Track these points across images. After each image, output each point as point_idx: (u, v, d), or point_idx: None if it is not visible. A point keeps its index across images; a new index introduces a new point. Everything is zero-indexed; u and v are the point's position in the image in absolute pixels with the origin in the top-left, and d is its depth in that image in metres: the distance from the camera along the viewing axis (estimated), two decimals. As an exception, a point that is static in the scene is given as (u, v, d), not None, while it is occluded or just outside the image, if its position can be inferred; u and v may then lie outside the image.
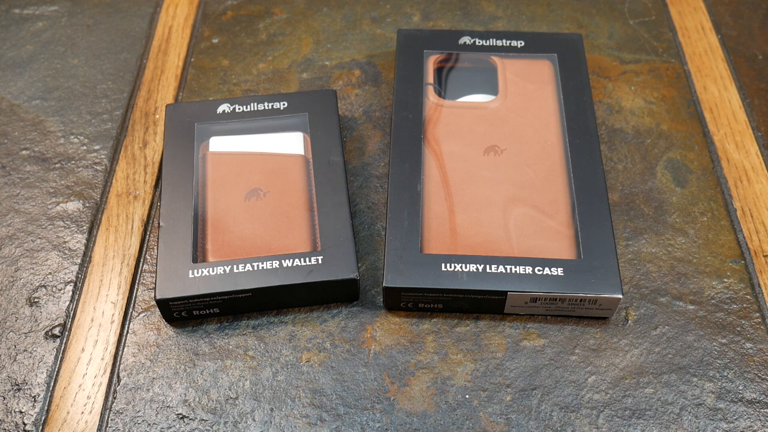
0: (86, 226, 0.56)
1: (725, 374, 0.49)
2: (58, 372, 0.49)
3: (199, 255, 0.51)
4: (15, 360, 0.50)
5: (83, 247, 0.55)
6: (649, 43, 0.67)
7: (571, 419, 0.47)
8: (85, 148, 0.60)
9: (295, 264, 0.50)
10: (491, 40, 0.62)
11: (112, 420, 0.47)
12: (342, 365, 0.49)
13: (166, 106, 0.58)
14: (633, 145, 0.60)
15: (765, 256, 0.54)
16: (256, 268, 0.50)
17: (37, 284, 0.53)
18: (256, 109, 0.58)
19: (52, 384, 0.49)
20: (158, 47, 0.67)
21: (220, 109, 0.58)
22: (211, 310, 0.50)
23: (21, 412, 0.48)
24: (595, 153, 0.55)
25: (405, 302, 0.50)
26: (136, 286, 0.53)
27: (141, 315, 0.52)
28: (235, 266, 0.50)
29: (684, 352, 0.49)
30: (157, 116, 0.62)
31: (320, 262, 0.50)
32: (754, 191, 0.57)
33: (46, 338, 0.51)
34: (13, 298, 0.53)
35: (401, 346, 0.50)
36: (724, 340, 0.50)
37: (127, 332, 0.51)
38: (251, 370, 0.49)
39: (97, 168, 0.59)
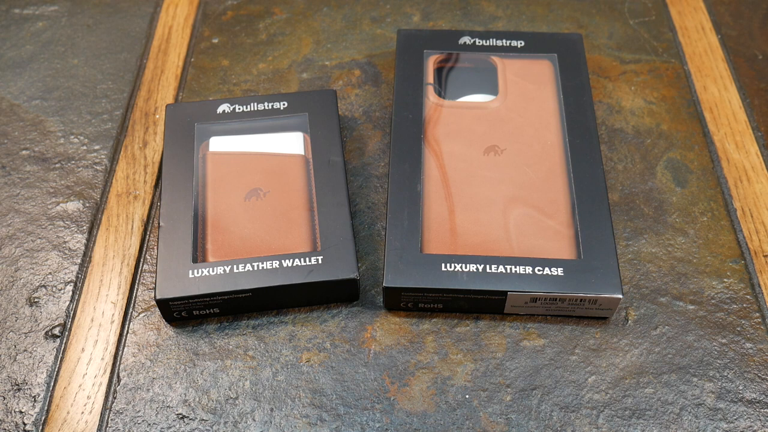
0: (86, 226, 0.56)
1: (725, 374, 0.49)
2: (58, 372, 0.49)
3: (199, 255, 0.51)
4: (15, 360, 0.50)
5: (83, 247, 0.55)
6: (649, 43, 0.67)
7: (571, 419, 0.47)
8: (85, 148, 0.60)
9: (295, 264, 0.50)
10: (491, 40, 0.62)
11: (112, 420, 0.47)
12: (342, 365, 0.49)
13: (166, 106, 0.58)
14: (633, 145, 0.60)
15: (765, 256, 0.54)
16: (256, 268, 0.50)
17: (37, 284, 0.53)
18: (256, 109, 0.58)
19: (52, 384, 0.49)
20: (158, 47, 0.67)
21: (220, 109, 0.58)
22: (211, 310, 0.50)
23: (21, 412, 0.48)
24: (595, 153, 0.55)
25: (405, 302, 0.50)
26: (136, 286, 0.53)
27: (141, 315, 0.52)
28: (235, 266, 0.50)
29: (684, 352, 0.49)
30: (157, 116, 0.62)
31: (320, 262, 0.50)
32: (754, 191, 0.57)
33: (46, 338, 0.51)
34: (13, 298, 0.53)
35: (401, 346, 0.50)
36: (724, 340, 0.50)
37: (127, 332, 0.51)
38: (251, 370, 0.49)
39: (97, 168, 0.59)
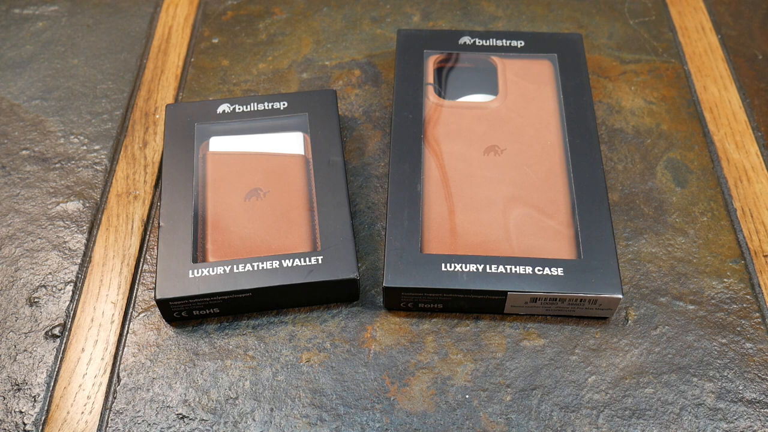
0: (86, 226, 0.56)
1: (725, 374, 0.49)
2: (58, 372, 0.49)
3: (199, 255, 0.51)
4: (15, 360, 0.50)
5: (83, 247, 0.55)
6: (649, 43, 0.67)
7: (571, 419, 0.47)
8: (85, 148, 0.60)
9: (295, 264, 0.50)
10: (491, 40, 0.62)
11: (112, 420, 0.47)
12: (342, 365, 0.49)
13: (166, 106, 0.58)
14: (633, 145, 0.60)
15: (765, 256, 0.54)
16: (256, 268, 0.50)
17: (37, 284, 0.53)
18: (256, 109, 0.58)
19: (52, 384, 0.49)
20: (158, 47, 0.67)
21: (220, 109, 0.58)
22: (211, 310, 0.50)
23: (21, 412, 0.48)
24: (595, 153, 0.55)
25: (405, 302, 0.50)
26: (136, 286, 0.53)
27: (141, 315, 0.52)
28: (235, 266, 0.50)
29: (684, 352, 0.49)
30: (157, 116, 0.62)
31: (320, 262, 0.50)
32: (754, 191, 0.57)
33: (46, 338, 0.51)
34: (13, 298, 0.53)
35: (401, 346, 0.50)
36: (724, 340, 0.50)
37: (127, 332, 0.51)
38: (251, 370, 0.49)
39: (97, 168, 0.59)
